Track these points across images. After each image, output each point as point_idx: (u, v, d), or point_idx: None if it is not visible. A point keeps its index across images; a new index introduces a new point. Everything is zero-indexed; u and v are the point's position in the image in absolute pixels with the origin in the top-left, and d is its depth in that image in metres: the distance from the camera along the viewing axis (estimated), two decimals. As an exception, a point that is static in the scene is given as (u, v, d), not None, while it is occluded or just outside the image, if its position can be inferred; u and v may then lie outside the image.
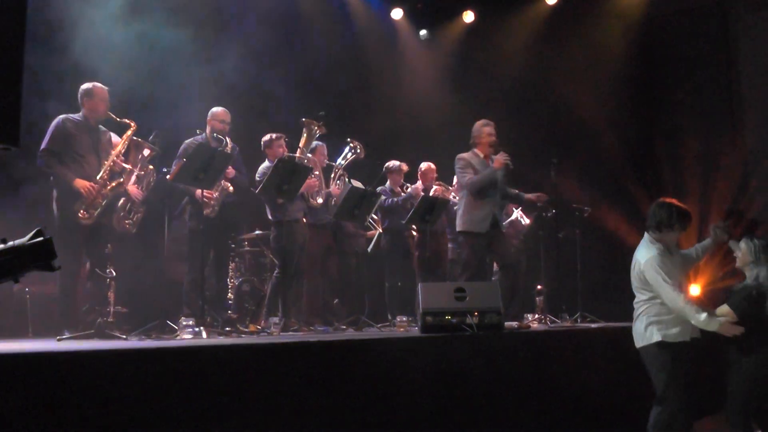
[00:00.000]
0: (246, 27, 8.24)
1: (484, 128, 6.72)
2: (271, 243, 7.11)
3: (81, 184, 5.62)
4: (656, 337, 4.53)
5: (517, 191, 6.91)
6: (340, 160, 7.53)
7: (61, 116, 5.79)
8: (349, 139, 7.56)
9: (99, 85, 5.89)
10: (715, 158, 9.55)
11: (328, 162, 7.41)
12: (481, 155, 6.69)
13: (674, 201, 4.66)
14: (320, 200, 7.02)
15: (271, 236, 7.03)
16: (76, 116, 5.85)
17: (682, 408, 4.51)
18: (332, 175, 7.43)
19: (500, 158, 6.52)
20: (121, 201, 6.28)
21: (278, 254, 6.79)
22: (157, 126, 6.47)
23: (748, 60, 9.97)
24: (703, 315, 4.38)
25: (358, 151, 7.52)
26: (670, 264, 4.55)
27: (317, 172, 6.96)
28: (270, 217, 6.82)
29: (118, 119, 5.94)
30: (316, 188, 6.98)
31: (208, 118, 6.45)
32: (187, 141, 6.36)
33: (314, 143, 7.31)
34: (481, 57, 10.55)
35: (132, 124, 5.99)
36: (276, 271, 6.84)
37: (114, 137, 6.12)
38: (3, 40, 3.08)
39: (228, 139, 6.35)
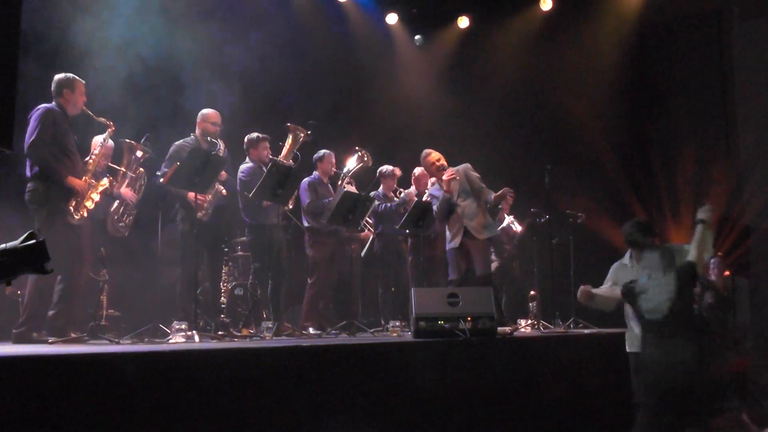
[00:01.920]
0: (241, 32, 8.23)
1: (426, 159, 6.94)
2: (247, 246, 7.13)
3: (75, 182, 5.33)
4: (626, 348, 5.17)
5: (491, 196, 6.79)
6: (347, 169, 7.57)
7: (45, 105, 5.35)
8: (357, 148, 7.65)
9: (78, 77, 5.56)
10: (709, 164, 9.59)
11: (335, 170, 7.45)
12: (439, 183, 6.88)
13: (639, 219, 5.13)
14: (291, 206, 7.05)
15: (247, 239, 7.03)
16: (56, 108, 5.41)
17: (646, 411, 4.69)
18: (339, 183, 7.46)
19: (444, 178, 6.69)
20: (115, 204, 6.26)
21: (257, 257, 6.79)
22: (152, 128, 6.46)
23: (742, 67, 10.02)
24: None
25: (366, 159, 7.60)
26: (621, 271, 5.11)
27: None
28: (246, 219, 6.79)
29: (96, 117, 5.66)
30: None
31: (198, 120, 6.35)
32: (177, 143, 6.26)
33: (322, 151, 7.38)
34: (475, 63, 10.58)
35: (111, 125, 5.78)
36: (251, 279, 6.85)
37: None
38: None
39: (221, 142, 6.31)
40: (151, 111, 7.05)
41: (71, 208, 5.34)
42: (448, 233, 6.83)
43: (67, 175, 5.30)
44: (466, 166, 6.85)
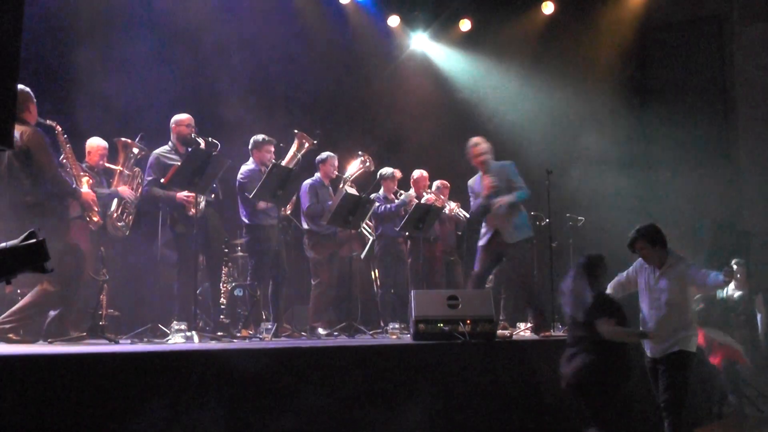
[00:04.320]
0: (243, 35, 8.23)
1: (469, 149, 6.84)
2: (245, 246, 7.11)
3: (88, 195, 5.45)
4: None
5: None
6: (348, 173, 7.59)
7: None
8: (360, 153, 7.66)
9: None
10: (708, 168, 9.59)
11: (337, 174, 7.45)
12: (479, 174, 6.84)
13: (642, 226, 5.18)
14: (289, 210, 7.04)
15: (245, 240, 7.03)
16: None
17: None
18: (340, 186, 7.45)
19: (486, 183, 6.68)
20: (114, 203, 6.24)
21: (255, 258, 6.78)
22: (147, 129, 6.45)
23: (743, 71, 10.04)
24: None
25: (368, 164, 7.61)
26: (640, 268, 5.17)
27: None
28: (245, 220, 6.76)
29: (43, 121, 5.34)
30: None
31: (172, 126, 6.23)
32: (155, 151, 6.17)
33: (325, 154, 7.40)
34: (477, 66, 10.58)
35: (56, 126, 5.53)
36: (249, 279, 6.84)
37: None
38: (-1, 42, 3.06)
39: (201, 140, 6.17)
40: (151, 110, 7.05)
41: (88, 218, 5.48)
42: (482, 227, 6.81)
43: (80, 191, 5.36)
44: None
